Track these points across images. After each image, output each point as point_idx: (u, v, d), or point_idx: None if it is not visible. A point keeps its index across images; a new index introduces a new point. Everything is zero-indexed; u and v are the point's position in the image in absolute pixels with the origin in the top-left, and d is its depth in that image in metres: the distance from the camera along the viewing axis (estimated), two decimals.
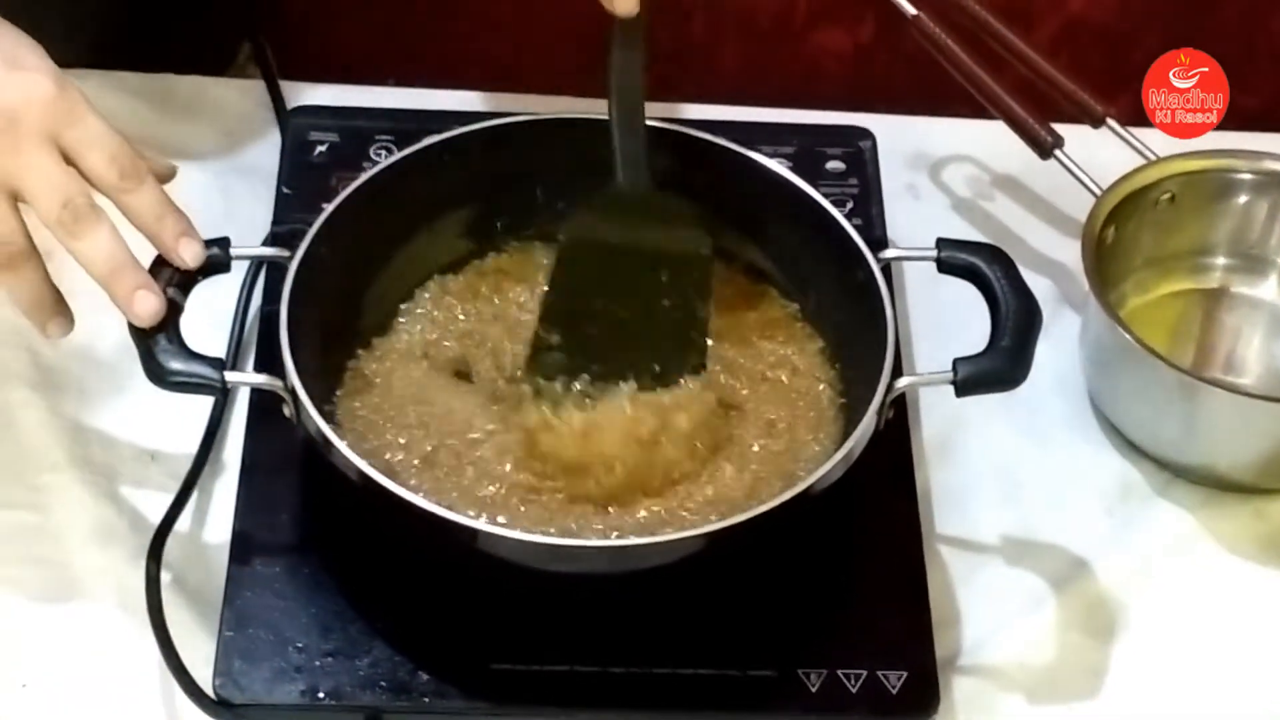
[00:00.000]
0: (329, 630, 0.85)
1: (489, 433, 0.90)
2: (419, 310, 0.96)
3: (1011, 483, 0.97)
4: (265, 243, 0.99)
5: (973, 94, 1.03)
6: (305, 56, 1.21)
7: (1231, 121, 1.02)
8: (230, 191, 1.06)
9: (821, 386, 0.94)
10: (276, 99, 1.12)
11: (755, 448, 0.91)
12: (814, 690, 0.85)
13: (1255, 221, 1.05)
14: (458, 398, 0.92)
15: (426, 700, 0.84)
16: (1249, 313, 1.06)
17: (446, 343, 0.94)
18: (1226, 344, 1.05)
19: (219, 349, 0.97)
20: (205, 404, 0.95)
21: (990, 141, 1.09)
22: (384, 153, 1.04)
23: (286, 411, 0.85)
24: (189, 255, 0.84)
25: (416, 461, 0.89)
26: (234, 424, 0.95)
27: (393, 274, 0.96)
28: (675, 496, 0.88)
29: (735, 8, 1.30)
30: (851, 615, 0.89)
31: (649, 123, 0.96)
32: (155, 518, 0.90)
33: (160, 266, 0.84)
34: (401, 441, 0.89)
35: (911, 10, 1.05)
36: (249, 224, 1.01)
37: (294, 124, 1.07)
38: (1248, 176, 1.03)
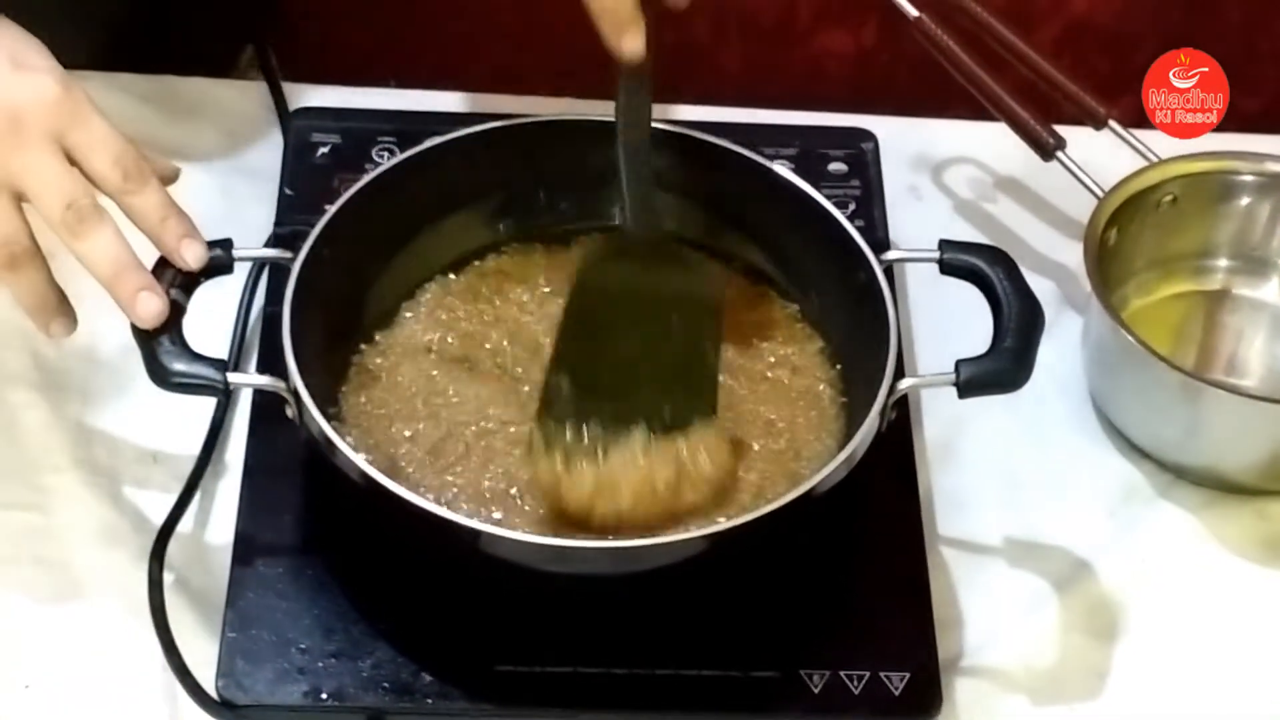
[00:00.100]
0: (332, 631, 0.85)
1: (502, 423, 0.90)
2: (421, 310, 0.96)
3: (1013, 484, 0.97)
4: (267, 244, 1.00)
5: (975, 96, 1.03)
6: (307, 58, 1.22)
7: (1233, 123, 1.02)
8: (232, 193, 1.06)
9: (822, 386, 0.94)
10: (279, 100, 1.12)
11: (755, 447, 0.91)
12: (816, 691, 0.85)
13: (1257, 223, 1.05)
14: (469, 386, 0.92)
15: (430, 701, 0.84)
16: (1251, 314, 1.06)
17: (449, 340, 0.94)
18: (1228, 346, 1.05)
19: (221, 350, 0.97)
20: (208, 405, 0.95)
21: (992, 143, 1.09)
22: (386, 154, 1.04)
23: (289, 412, 0.85)
24: (192, 257, 0.84)
25: (420, 454, 0.89)
26: (236, 425, 0.95)
27: (394, 275, 0.96)
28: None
29: (737, 9, 1.30)
30: (854, 616, 0.89)
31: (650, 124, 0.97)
32: (158, 519, 0.90)
33: (163, 268, 0.84)
34: (407, 434, 0.90)
35: (913, 12, 1.05)
36: (251, 225, 1.01)
37: (296, 125, 1.07)
38: (1250, 178, 1.03)
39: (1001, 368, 0.85)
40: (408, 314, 0.96)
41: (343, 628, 0.86)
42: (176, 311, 0.83)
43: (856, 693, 0.85)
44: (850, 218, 0.94)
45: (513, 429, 0.90)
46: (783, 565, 0.89)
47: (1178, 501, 0.98)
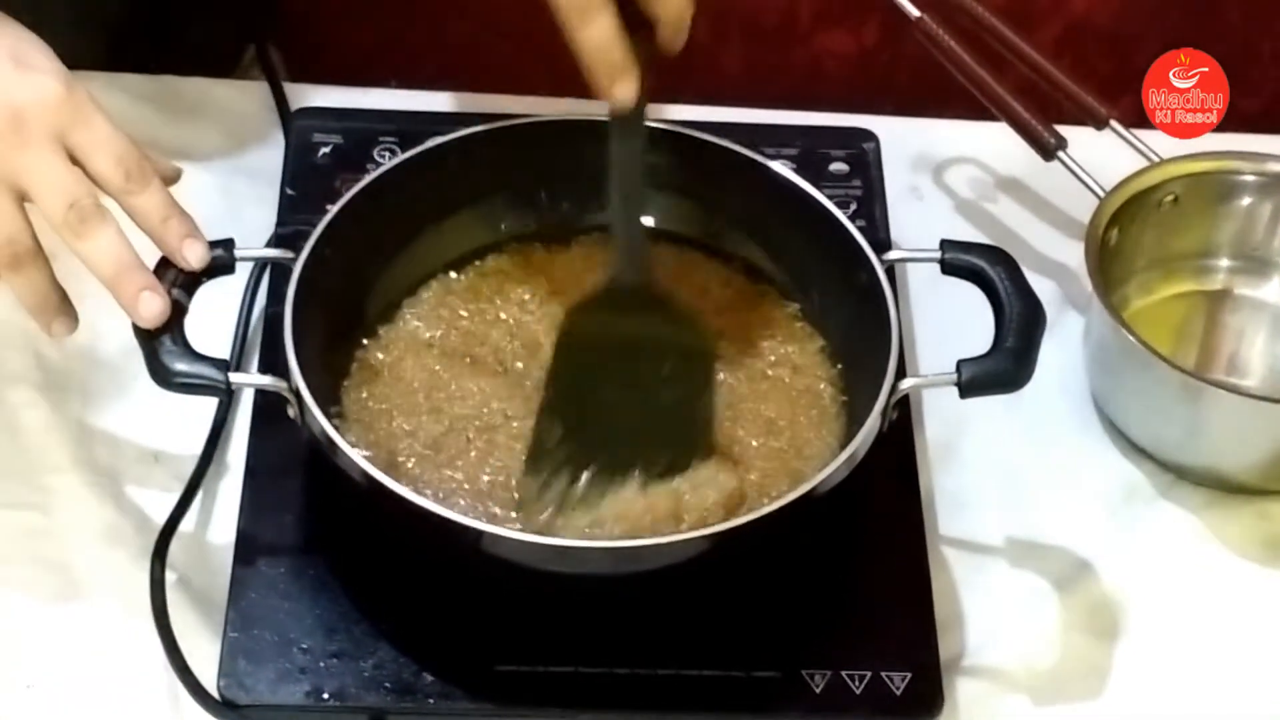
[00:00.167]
0: (333, 631, 0.86)
1: (506, 417, 0.90)
2: (423, 307, 0.96)
3: (1015, 484, 0.97)
4: (269, 244, 1.00)
5: (976, 96, 1.04)
6: (309, 58, 1.22)
7: (1234, 123, 1.02)
8: (234, 193, 1.06)
9: (823, 385, 0.94)
10: (280, 101, 1.12)
11: (755, 444, 0.91)
12: (818, 691, 0.85)
13: (1258, 223, 1.05)
14: (471, 381, 0.92)
15: (431, 701, 0.84)
16: (1252, 314, 1.06)
17: (452, 336, 0.95)
18: (1230, 346, 1.05)
19: (223, 350, 0.97)
20: (209, 405, 0.95)
21: (993, 143, 1.09)
22: (387, 154, 1.04)
23: (291, 412, 0.85)
24: (194, 257, 0.84)
25: (420, 449, 0.89)
26: (238, 425, 0.95)
27: (396, 275, 0.96)
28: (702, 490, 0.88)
29: (738, 10, 1.30)
30: (855, 616, 0.89)
31: (651, 124, 0.97)
32: (159, 519, 0.91)
33: (165, 268, 0.84)
34: (407, 429, 0.90)
35: (915, 12, 1.05)
36: (253, 225, 1.01)
37: (298, 126, 1.07)
38: (1251, 178, 1.03)
39: (1003, 368, 0.85)
40: (409, 311, 0.96)
41: (344, 627, 0.86)
42: (178, 311, 0.83)
43: (858, 692, 0.85)
44: (851, 218, 0.94)
45: (515, 424, 0.90)
46: (784, 565, 0.89)
47: (1179, 501, 0.98)
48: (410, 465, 0.89)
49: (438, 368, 0.93)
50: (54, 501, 0.92)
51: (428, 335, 0.95)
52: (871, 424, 0.84)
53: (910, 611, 0.88)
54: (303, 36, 1.27)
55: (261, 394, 0.93)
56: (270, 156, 1.07)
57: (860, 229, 0.93)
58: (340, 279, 0.91)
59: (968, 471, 0.98)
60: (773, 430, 0.92)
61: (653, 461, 0.87)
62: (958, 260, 0.90)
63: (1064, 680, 0.90)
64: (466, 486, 0.88)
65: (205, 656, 0.85)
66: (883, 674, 0.85)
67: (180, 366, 0.82)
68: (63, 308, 0.84)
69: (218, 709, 0.83)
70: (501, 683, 0.84)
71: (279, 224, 1.02)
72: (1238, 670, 0.91)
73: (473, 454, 0.89)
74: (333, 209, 0.91)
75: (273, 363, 0.88)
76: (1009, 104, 1.02)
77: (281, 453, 0.91)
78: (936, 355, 1.00)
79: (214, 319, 0.95)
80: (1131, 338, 0.94)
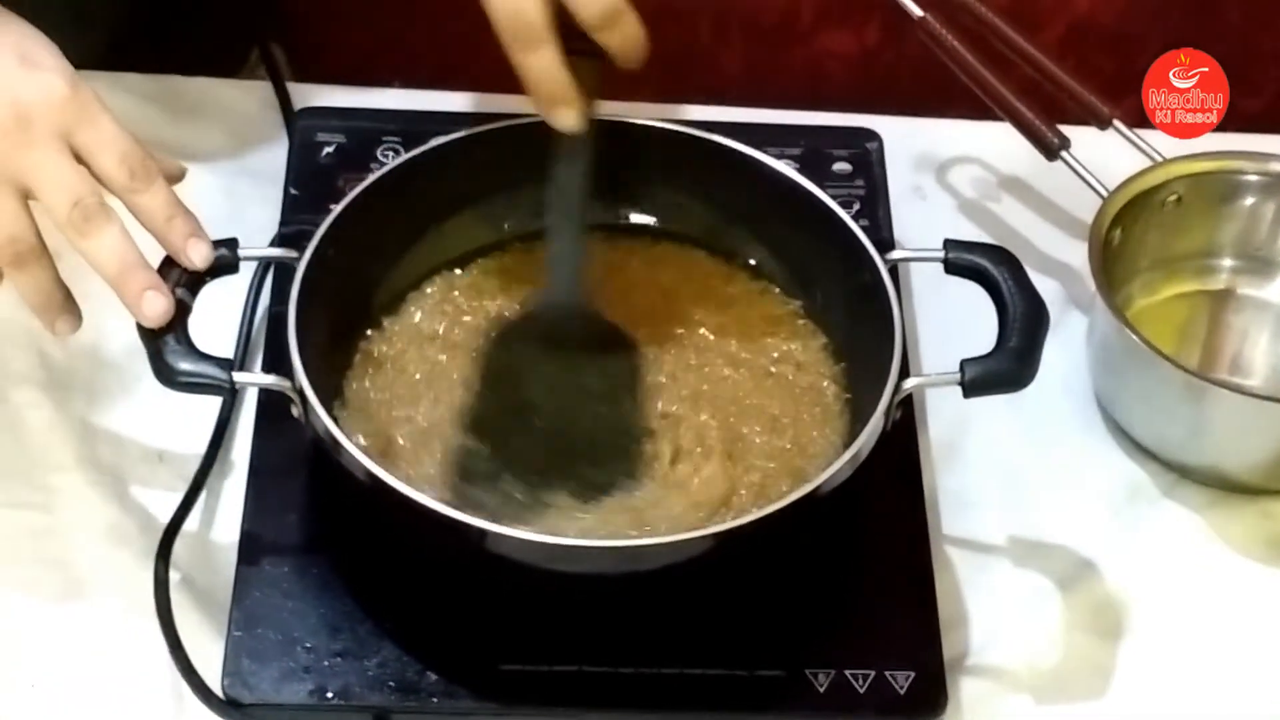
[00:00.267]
0: (338, 630, 0.86)
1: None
2: (427, 303, 0.96)
3: (1018, 483, 0.97)
4: (273, 244, 1.00)
5: (979, 95, 1.03)
6: (312, 58, 1.22)
7: (1236, 123, 1.02)
8: (238, 193, 1.06)
9: (826, 383, 0.94)
10: (284, 101, 1.12)
11: (758, 441, 0.91)
12: (822, 690, 0.85)
13: (1262, 223, 1.05)
14: (473, 372, 0.92)
15: (435, 700, 0.84)
16: (1255, 314, 1.06)
17: (455, 331, 0.95)
18: (1233, 345, 1.05)
19: (227, 349, 0.97)
20: (213, 404, 0.95)
21: (997, 143, 1.09)
22: (391, 154, 1.04)
23: (295, 412, 0.85)
24: (197, 256, 0.84)
25: (419, 436, 0.89)
26: (242, 424, 0.95)
27: (399, 274, 0.96)
28: (682, 492, 0.88)
29: (739, 10, 1.30)
30: (859, 616, 0.89)
31: (653, 123, 0.97)
32: (163, 518, 0.91)
33: (169, 267, 0.84)
34: (408, 418, 0.90)
35: (918, 12, 1.05)
36: (256, 225, 1.01)
37: (301, 125, 1.07)
38: (1254, 178, 1.03)
39: (1006, 367, 0.85)
40: (413, 306, 0.96)
41: (348, 627, 0.86)
42: (182, 311, 0.83)
43: (862, 692, 0.85)
44: (855, 217, 0.94)
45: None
46: (787, 564, 0.89)
47: (1182, 501, 0.98)
48: (407, 445, 0.89)
49: (443, 357, 0.93)
50: (58, 501, 0.92)
51: (432, 327, 0.95)
52: (875, 423, 0.84)
53: (914, 611, 0.88)
54: (306, 37, 1.27)
55: (265, 393, 0.93)
56: (274, 156, 1.07)
57: (863, 229, 0.93)
58: (343, 278, 0.91)
59: (971, 471, 0.98)
60: (776, 428, 0.92)
61: (584, 481, 0.87)
62: (961, 260, 0.90)
63: (1067, 680, 0.90)
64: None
65: (209, 656, 0.85)
66: (886, 673, 0.85)
67: (184, 366, 0.82)
68: (66, 306, 0.84)
69: (222, 708, 0.83)
70: (506, 682, 0.84)
71: (282, 223, 1.02)
72: (1241, 670, 0.91)
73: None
74: (336, 208, 0.91)
75: (276, 362, 0.88)
76: (1012, 104, 1.02)
77: (285, 452, 0.91)
78: (939, 355, 1.00)
79: (218, 318, 0.95)
80: (1135, 337, 0.94)
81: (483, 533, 0.80)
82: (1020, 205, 1.11)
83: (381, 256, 0.95)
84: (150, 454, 0.95)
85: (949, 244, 0.90)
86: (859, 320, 0.92)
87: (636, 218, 1.00)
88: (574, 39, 0.85)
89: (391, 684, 0.84)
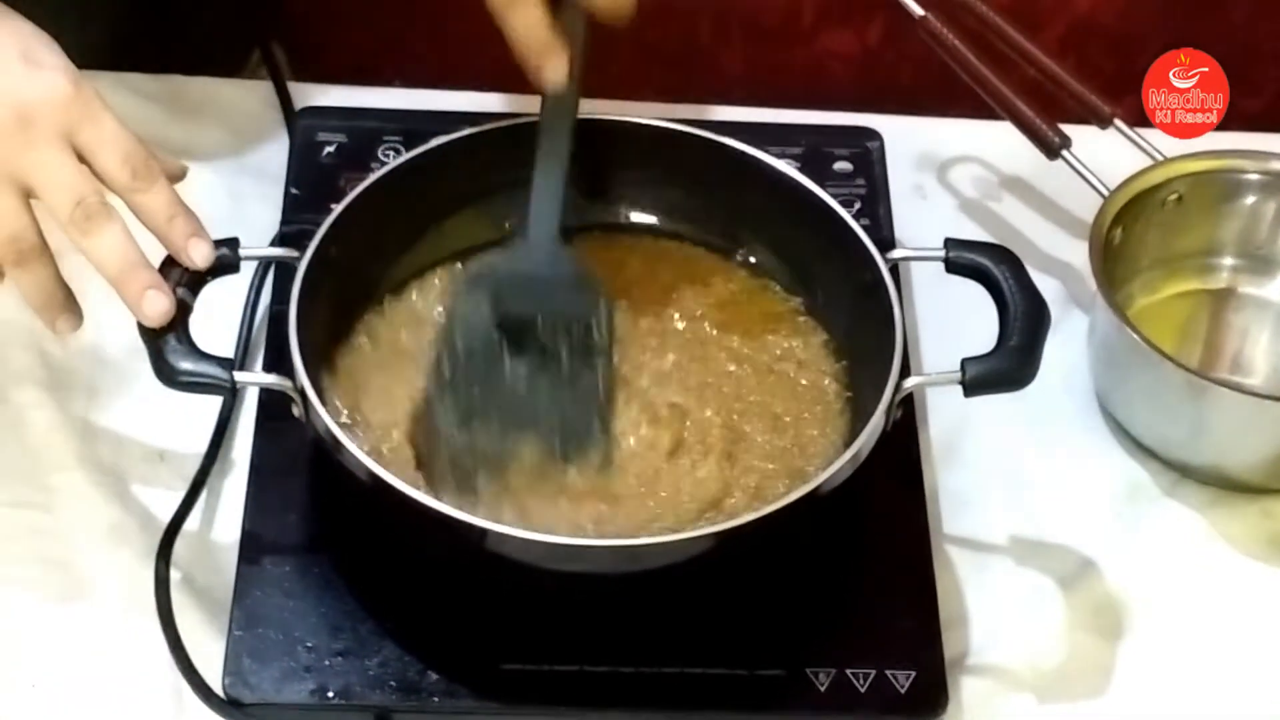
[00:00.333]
0: (338, 629, 0.86)
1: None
2: (430, 295, 0.96)
3: (1019, 483, 0.98)
4: (274, 243, 1.00)
5: (980, 95, 1.03)
6: (313, 58, 1.22)
7: (1236, 123, 1.02)
8: (239, 192, 1.06)
9: (827, 381, 0.94)
10: (284, 100, 1.12)
11: (760, 439, 0.91)
12: (822, 690, 0.85)
13: (1262, 222, 1.05)
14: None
15: (436, 700, 0.84)
16: (1256, 313, 1.06)
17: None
18: (1234, 344, 1.05)
19: (228, 349, 0.97)
20: (214, 404, 0.95)
21: (998, 142, 1.09)
22: (392, 153, 1.04)
23: (295, 411, 0.85)
24: (199, 255, 0.84)
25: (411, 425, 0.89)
26: (243, 423, 0.95)
27: (400, 273, 0.96)
28: (682, 491, 0.88)
29: (740, 10, 1.30)
30: (860, 615, 0.89)
31: (652, 123, 0.97)
32: (164, 517, 0.91)
33: (170, 266, 0.84)
34: (398, 393, 0.90)
35: (919, 11, 1.05)
36: (257, 224, 1.01)
37: (302, 125, 1.07)
38: (1255, 177, 1.03)
39: (1007, 366, 0.85)
40: (414, 295, 0.96)
41: (349, 626, 0.86)
42: (183, 310, 0.83)
43: (862, 691, 0.85)
44: (856, 216, 0.94)
45: None
46: (788, 563, 0.89)
47: (1183, 500, 0.98)
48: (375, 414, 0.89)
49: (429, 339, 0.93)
50: (58, 500, 0.92)
51: (432, 313, 0.94)
52: (876, 423, 0.84)
53: (914, 610, 0.88)
54: (307, 36, 1.27)
55: (266, 392, 0.93)
56: (275, 156, 1.07)
57: (865, 228, 0.93)
58: (344, 278, 0.91)
59: (971, 470, 0.98)
60: (778, 427, 0.92)
61: (546, 441, 0.87)
62: (962, 259, 0.90)
63: (1068, 679, 0.90)
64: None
65: (210, 655, 0.85)
66: (887, 672, 0.85)
67: (185, 365, 0.82)
68: (68, 305, 0.85)
69: (223, 708, 0.83)
70: (507, 681, 0.84)
71: (283, 223, 1.02)
72: (1242, 669, 0.91)
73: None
74: (337, 208, 0.91)
75: (277, 361, 0.88)
76: (1013, 103, 1.02)
77: (286, 451, 0.91)
78: (940, 354, 1.00)
79: (219, 318, 0.95)
80: (1136, 336, 0.94)
81: (483, 532, 0.80)
82: (1021, 204, 1.12)
83: (382, 256, 0.95)
84: (151, 453, 0.95)
85: (950, 243, 0.90)
86: (860, 319, 0.92)
87: (637, 217, 1.00)
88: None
89: (392, 683, 0.84)
